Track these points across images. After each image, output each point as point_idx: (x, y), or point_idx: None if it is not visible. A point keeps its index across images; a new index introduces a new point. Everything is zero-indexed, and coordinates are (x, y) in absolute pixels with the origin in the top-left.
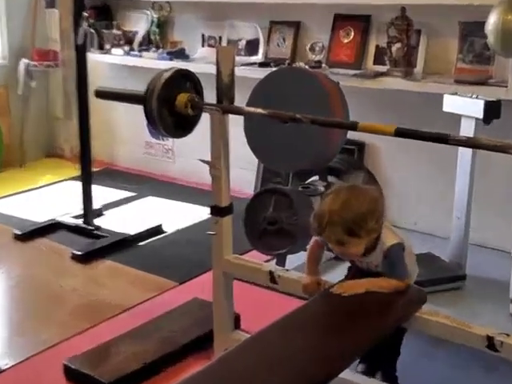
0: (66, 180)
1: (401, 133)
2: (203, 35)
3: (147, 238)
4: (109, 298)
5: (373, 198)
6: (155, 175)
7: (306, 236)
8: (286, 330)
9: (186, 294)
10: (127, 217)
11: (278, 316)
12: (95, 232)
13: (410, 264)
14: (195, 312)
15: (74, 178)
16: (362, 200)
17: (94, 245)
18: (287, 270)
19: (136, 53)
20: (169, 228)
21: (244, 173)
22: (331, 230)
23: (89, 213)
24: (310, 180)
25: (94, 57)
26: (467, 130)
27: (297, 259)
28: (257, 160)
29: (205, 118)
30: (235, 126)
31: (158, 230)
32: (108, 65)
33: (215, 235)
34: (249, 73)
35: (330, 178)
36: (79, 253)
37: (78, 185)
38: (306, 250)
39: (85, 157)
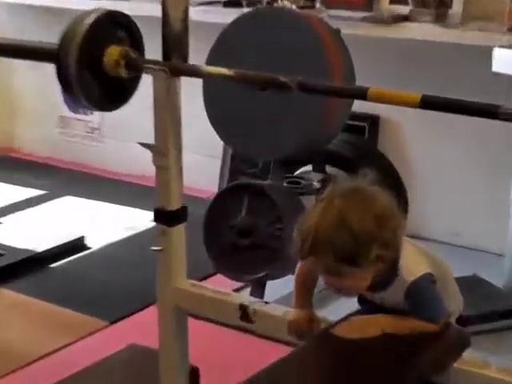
0: None
1: (429, 103)
2: None
3: (63, 257)
4: (7, 345)
5: (383, 210)
6: (75, 165)
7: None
8: None
9: (118, 339)
10: (34, 226)
11: (253, 370)
12: None
13: (448, 297)
14: (132, 365)
15: None
16: (367, 213)
17: None
18: (266, 303)
19: None
20: (94, 242)
21: (204, 162)
22: (318, 256)
23: None
24: (299, 171)
25: None
26: None
27: (281, 287)
28: (222, 143)
29: (146, 83)
30: (191, 93)
31: (78, 244)
32: (4, 5)
33: (161, 252)
34: (210, 16)
35: (330, 169)
36: None
37: None
38: (293, 274)
39: None
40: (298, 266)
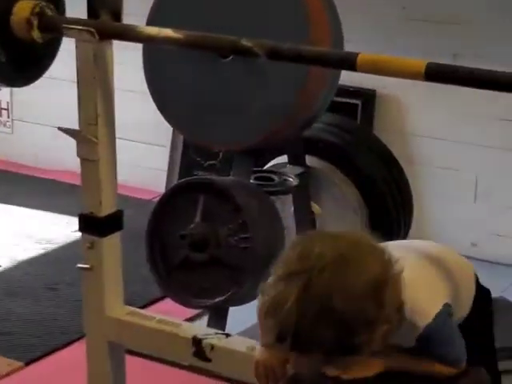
0: None
1: (437, 73)
2: None
3: None
4: None
5: (376, 280)
6: None
7: (266, 270)
8: None
9: (37, 383)
10: None
11: None
12: None
13: (459, 305)
14: None
15: None
16: (357, 290)
17: None
18: (227, 336)
19: None
20: (2, 258)
21: (148, 152)
22: (303, 353)
23: None
24: (271, 164)
25: None
26: None
27: (246, 315)
28: (171, 129)
29: (68, 49)
30: (127, 63)
31: None
32: None
33: (89, 271)
34: None
35: (310, 160)
36: None
37: None
38: None
39: None
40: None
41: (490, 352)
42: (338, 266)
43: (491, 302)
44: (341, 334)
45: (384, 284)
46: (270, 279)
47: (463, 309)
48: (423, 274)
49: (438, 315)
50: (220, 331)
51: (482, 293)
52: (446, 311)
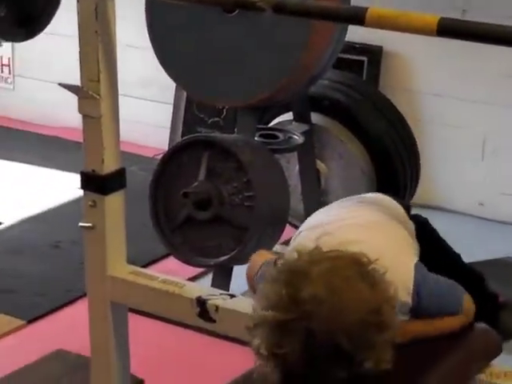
0: None
1: (450, 29)
2: None
3: None
4: None
5: (373, 313)
6: None
7: (270, 229)
8: None
9: (39, 343)
10: None
11: (214, 382)
12: None
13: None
14: (57, 377)
15: None
16: (355, 319)
17: None
18: (232, 297)
19: None
20: (3, 217)
21: (150, 109)
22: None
23: None
24: (275, 122)
25: None
26: None
27: None
28: (174, 84)
29: (69, 3)
30: (129, 16)
31: None
32: None
33: (92, 230)
34: None
35: (316, 118)
36: None
37: None
38: None
39: None
40: (250, 267)
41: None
42: (333, 307)
43: (428, 225)
44: (351, 367)
45: (380, 308)
46: (259, 321)
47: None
48: (386, 250)
49: (415, 278)
50: (224, 292)
51: (418, 223)
52: (419, 268)
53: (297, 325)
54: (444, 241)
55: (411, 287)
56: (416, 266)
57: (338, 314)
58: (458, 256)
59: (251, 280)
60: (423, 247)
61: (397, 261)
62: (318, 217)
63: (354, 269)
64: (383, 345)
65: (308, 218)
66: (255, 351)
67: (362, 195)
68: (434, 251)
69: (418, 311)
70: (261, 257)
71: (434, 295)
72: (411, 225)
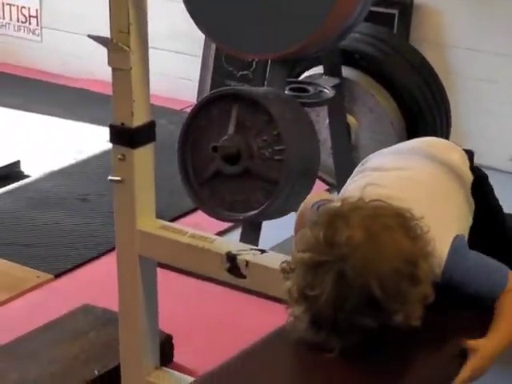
0: None
1: None
2: None
3: None
4: None
5: (408, 264)
6: (5, 66)
7: (300, 183)
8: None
9: (66, 298)
10: None
11: (244, 338)
12: None
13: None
14: (85, 332)
15: None
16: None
17: None
18: (262, 252)
19: None
20: (32, 169)
21: (179, 62)
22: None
23: None
24: (306, 75)
25: None
26: None
27: (281, 230)
28: (203, 36)
29: None
30: None
31: (11, 172)
32: None
33: (121, 183)
34: None
35: (346, 72)
36: None
37: None
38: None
39: None
40: (300, 209)
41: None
42: (369, 252)
43: (486, 183)
44: (381, 317)
45: (417, 261)
46: (295, 263)
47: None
48: (432, 210)
49: (449, 252)
50: (255, 247)
51: (477, 178)
52: (458, 242)
53: (331, 266)
54: (498, 205)
55: (443, 261)
56: (455, 239)
57: (373, 260)
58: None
59: (302, 217)
60: (476, 205)
61: (437, 229)
62: (374, 161)
63: (396, 220)
64: (415, 299)
65: (367, 160)
66: (287, 295)
67: (422, 139)
68: (484, 215)
69: (448, 289)
70: (316, 197)
71: (471, 275)
72: (469, 177)
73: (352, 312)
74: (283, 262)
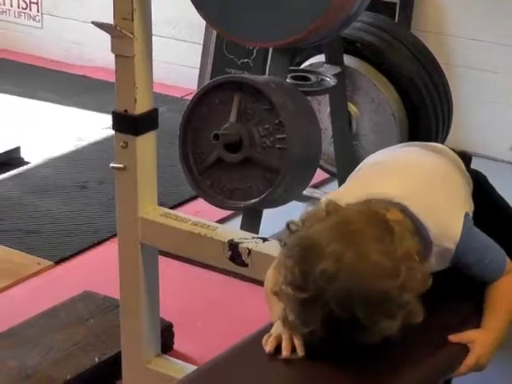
0: None
1: None
2: None
3: None
4: None
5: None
6: (6, 53)
7: (301, 172)
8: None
9: (66, 285)
10: None
11: (245, 326)
12: None
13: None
14: (85, 319)
15: None
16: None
17: None
18: (265, 240)
19: None
20: (32, 155)
21: (181, 49)
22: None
23: None
24: (307, 63)
25: None
26: None
27: (281, 217)
28: (204, 23)
29: None
30: None
31: (11, 158)
32: None
33: (123, 170)
34: None
35: (348, 60)
36: None
37: None
38: (299, 200)
39: None
40: (272, 270)
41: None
42: (348, 280)
43: (487, 184)
44: (373, 337)
45: (398, 272)
46: (283, 294)
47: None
48: (436, 194)
49: (463, 229)
50: (257, 235)
51: (477, 179)
52: (468, 221)
53: (314, 302)
54: (505, 203)
55: (458, 237)
56: (465, 218)
57: (351, 289)
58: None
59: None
60: (479, 207)
61: (448, 208)
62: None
63: (368, 232)
64: (407, 306)
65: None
66: (282, 321)
67: (422, 143)
68: (490, 214)
69: (457, 265)
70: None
71: (478, 253)
72: (469, 179)
73: (348, 338)
74: (275, 286)
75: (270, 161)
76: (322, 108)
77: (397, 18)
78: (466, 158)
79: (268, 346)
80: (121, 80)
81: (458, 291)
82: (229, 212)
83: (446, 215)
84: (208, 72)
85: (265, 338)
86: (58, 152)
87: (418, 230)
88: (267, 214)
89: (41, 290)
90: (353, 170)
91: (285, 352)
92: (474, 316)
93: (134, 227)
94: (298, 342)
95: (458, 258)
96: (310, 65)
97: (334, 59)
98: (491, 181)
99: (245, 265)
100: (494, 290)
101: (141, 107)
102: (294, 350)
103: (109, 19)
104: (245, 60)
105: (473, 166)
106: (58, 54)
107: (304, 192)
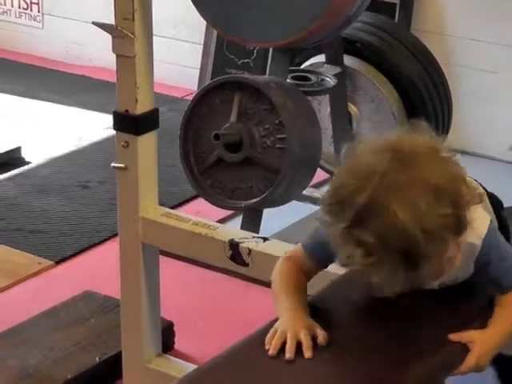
0: None
1: None
2: None
3: None
4: None
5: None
6: (6, 53)
7: (302, 172)
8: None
9: (67, 285)
10: None
11: (247, 326)
12: None
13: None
14: (86, 319)
15: None
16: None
17: None
18: (265, 240)
19: None
20: (33, 155)
21: (181, 49)
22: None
23: None
24: (308, 63)
25: None
26: None
27: (281, 217)
28: (205, 23)
29: None
30: None
31: (12, 158)
32: None
33: (124, 170)
34: None
35: (348, 60)
36: None
37: None
38: (299, 199)
39: None
40: (284, 261)
41: None
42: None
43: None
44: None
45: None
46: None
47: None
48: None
49: (489, 228)
50: (257, 235)
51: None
52: (493, 224)
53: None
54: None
55: (484, 234)
56: (491, 222)
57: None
58: None
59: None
60: None
61: (475, 208)
62: None
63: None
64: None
65: None
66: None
67: None
68: None
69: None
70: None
71: (501, 255)
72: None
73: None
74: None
75: (271, 161)
76: (323, 108)
77: (397, 18)
78: (495, 201)
79: (272, 347)
80: (122, 80)
81: (461, 292)
82: (229, 212)
83: (474, 212)
84: (209, 72)
85: (268, 336)
86: (59, 152)
87: None
88: (267, 213)
89: (42, 289)
90: None
91: (288, 354)
92: (476, 318)
93: (135, 227)
94: (305, 343)
95: (481, 258)
96: (311, 65)
97: (334, 59)
98: (490, 180)
99: (245, 264)
100: (507, 298)
101: (142, 107)
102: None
103: (109, 19)
104: (245, 60)
105: (472, 165)
106: (59, 54)
107: (304, 192)
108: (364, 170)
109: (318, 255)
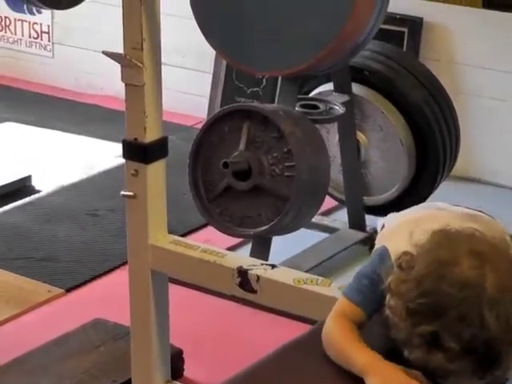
0: None
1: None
2: None
3: (2, 204)
4: None
5: None
6: (17, 82)
7: (310, 199)
8: None
9: (77, 312)
10: None
11: (255, 353)
12: None
13: None
14: (95, 346)
15: None
16: None
17: None
18: (274, 267)
19: None
20: (43, 184)
21: (190, 78)
22: None
23: None
24: (316, 92)
25: None
26: None
27: (290, 245)
28: (214, 53)
29: None
30: None
31: (22, 187)
32: None
33: (133, 198)
34: None
35: (357, 89)
36: None
37: None
38: (307, 227)
39: None
40: (337, 319)
41: None
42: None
43: None
44: None
45: None
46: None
47: None
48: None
49: None
50: (265, 262)
51: None
52: None
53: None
54: None
55: None
56: None
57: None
58: None
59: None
60: None
61: None
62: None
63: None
64: None
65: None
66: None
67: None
68: None
69: None
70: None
71: None
72: None
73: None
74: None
75: (279, 189)
76: (331, 136)
77: (405, 46)
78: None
79: None
80: (131, 109)
81: None
82: (239, 239)
83: None
84: (218, 101)
85: None
86: (69, 180)
87: None
88: (276, 240)
89: (52, 317)
90: (361, 198)
91: None
92: None
93: (145, 254)
94: None
95: None
96: (319, 93)
97: (342, 87)
98: (501, 208)
99: (254, 291)
100: None
101: (151, 135)
102: None
103: (119, 49)
104: (254, 89)
105: (483, 193)
106: (69, 83)
107: (313, 219)
108: (459, 280)
109: (369, 306)
